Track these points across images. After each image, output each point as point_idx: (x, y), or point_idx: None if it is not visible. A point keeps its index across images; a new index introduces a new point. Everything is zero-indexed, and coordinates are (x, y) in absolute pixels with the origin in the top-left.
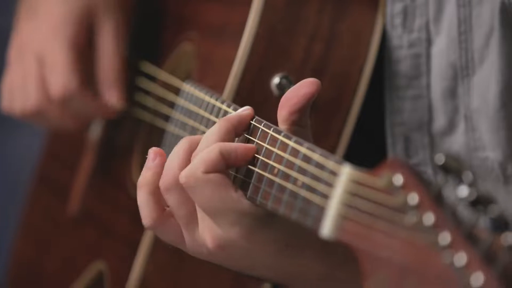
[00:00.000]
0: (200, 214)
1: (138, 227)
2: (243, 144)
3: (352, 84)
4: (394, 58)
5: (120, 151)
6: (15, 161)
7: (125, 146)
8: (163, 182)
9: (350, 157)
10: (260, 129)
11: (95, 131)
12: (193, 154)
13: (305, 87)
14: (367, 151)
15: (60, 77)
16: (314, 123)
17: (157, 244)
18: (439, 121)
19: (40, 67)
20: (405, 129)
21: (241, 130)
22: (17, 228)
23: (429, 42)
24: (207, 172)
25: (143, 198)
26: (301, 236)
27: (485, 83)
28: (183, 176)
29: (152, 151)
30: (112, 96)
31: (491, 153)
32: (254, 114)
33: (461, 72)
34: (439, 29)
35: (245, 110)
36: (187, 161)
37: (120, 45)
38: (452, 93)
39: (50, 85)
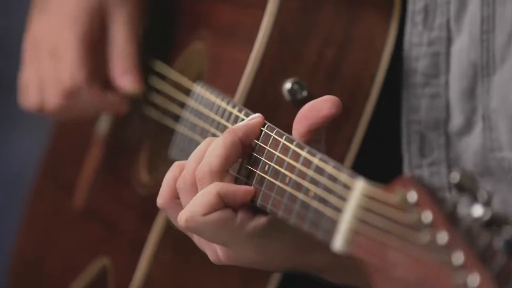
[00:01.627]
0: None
1: (144, 224)
2: (242, 187)
3: (364, 89)
4: (413, 55)
5: (128, 148)
6: (16, 160)
7: (133, 143)
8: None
9: (362, 156)
10: (272, 137)
11: (103, 126)
12: (197, 170)
13: (326, 109)
14: (380, 151)
15: (69, 69)
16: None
17: (163, 243)
18: (456, 120)
19: (54, 62)
20: (421, 127)
21: (249, 141)
22: (20, 224)
23: (449, 40)
24: (206, 214)
25: (167, 177)
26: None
27: (505, 83)
28: (183, 220)
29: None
30: (127, 80)
31: (508, 154)
32: (264, 121)
33: (482, 71)
34: (460, 27)
35: (254, 118)
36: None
37: (133, 34)
38: (471, 92)
39: (61, 78)
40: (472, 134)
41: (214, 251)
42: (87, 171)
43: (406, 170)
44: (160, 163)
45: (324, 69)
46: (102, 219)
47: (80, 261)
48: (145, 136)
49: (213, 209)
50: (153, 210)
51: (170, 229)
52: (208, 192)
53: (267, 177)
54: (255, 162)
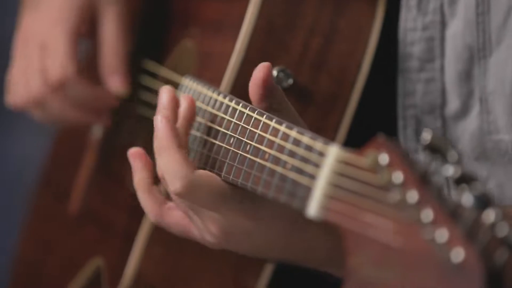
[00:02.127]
0: (199, 210)
1: (135, 221)
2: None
3: (350, 78)
4: (408, 40)
5: (122, 149)
6: (17, 160)
7: (127, 144)
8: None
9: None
10: (254, 117)
11: (97, 131)
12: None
13: (256, 72)
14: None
15: (58, 62)
16: (312, 117)
17: (153, 238)
18: (453, 104)
19: (42, 56)
20: (417, 111)
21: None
22: (21, 226)
23: (443, 25)
24: (194, 170)
25: (141, 198)
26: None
27: (502, 64)
28: (179, 187)
29: (130, 155)
30: (114, 81)
31: (505, 136)
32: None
33: (478, 53)
34: (454, 11)
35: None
36: None
37: (122, 32)
38: (467, 75)
39: (48, 70)
40: (469, 118)
41: (209, 231)
42: (82, 175)
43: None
44: (154, 160)
45: (310, 59)
46: (97, 221)
47: (77, 262)
48: (138, 135)
49: (189, 161)
50: None
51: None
52: (173, 154)
53: (248, 155)
54: (237, 143)
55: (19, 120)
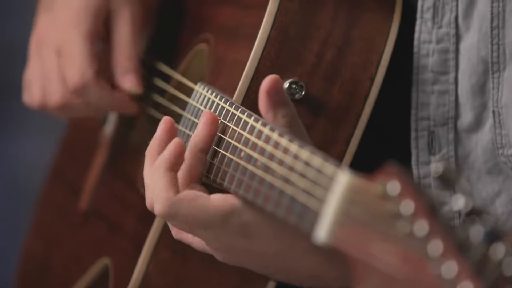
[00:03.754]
0: (193, 230)
1: (144, 225)
2: (169, 147)
3: (363, 91)
4: (422, 52)
5: (132, 150)
6: (23, 162)
7: (138, 145)
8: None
9: (369, 153)
10: (264, 133)
11: (109, 128)
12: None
13: (263, 85)
14: (388, 147)
15: (77, 66)
16: (323, 129)
17: (161, 243)
18: (466, 117)
19: (58, 60)
20: (430, 123)
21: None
22: (29, 225)
23: (458, 37)
24: (176, 192)
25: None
26: (305, 240)
27: None
28: (159, 210)
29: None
30: (128, 81)
31: None
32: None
33: (492, 67)
34: (469, 24)
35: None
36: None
37: (136, 34)
38: (481, 88)
39: (67, 75)
40: (482, 131)
41: (206, 248)
42: (93, 173)
43: (414, 167)
44: None
45: (323, 70)
46: (106, 220)
47: (84, 261)
48: (148, 136)
49: (176, 182)
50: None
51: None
52: (161, 175)
53: (258, 171)
54: (247, 157)
55: (25, 122)
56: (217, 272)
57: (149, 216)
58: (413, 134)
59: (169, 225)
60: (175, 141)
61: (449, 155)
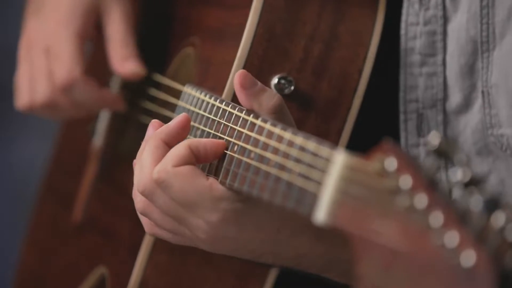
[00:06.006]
0: (182, 211)
1: (139, 230)
2: (212, 140)
3: (351, 84)
4: (410, 35)
5: (123, 158)
6: (19, 165)
7: (128, 153)
8: (141, 185)
9: (358, 135)
10: (257, 124)
11: (99, 140)
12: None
13: (235, 83)
14: (376, 130)
15: (64, 64)
16: (313, 123)
17: (157, 247)
18: (455, 98)
19: (47, 59)
20: (418, 106)
21: (175, 140)
22: (23, 239)
23: (445, 19)
24: (177, 165)
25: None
26: (293, 220)
27: (505, 57)
28: (155, 172)
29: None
30: (129, 66)
31: (508, 130)
32: (188, 119)
33: (481, 47)
34: (456, 5)
35: (178, 118)
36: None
37: (129, 27)
38: (470, 69)
39: (55, 73)
40: (471, 112)
41: (198, 239)
42: (85, 185)
43: (403, 149)
44: None
45: (311, 65)
46: (100, 230)
47: (80, 272)
48: (139, 144)
49: (184, 161)
50: None
51: None
52: (180, 146)
53: (253, 162)
54: (241, 150)
55: (22, 125)
56: (214, 271)
57: None
58: (401, 117)
59: (142, 219)
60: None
61: None
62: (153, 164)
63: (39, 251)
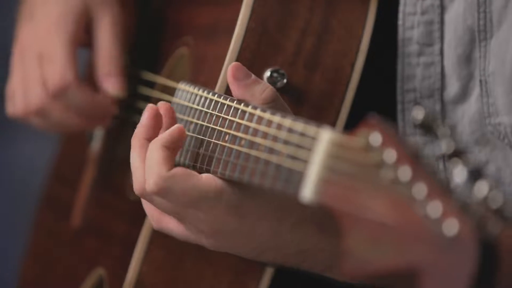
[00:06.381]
0: (183, 210)
1: (135, 229)
2: (170, 129)
3: (344, 77)
4: (407, 24)
5: (120, 160)
6: (20, 166)
7: (125, 155)
8: (137, 190)
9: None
10: (248, 112)
11: (96, 144)
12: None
13: (228, 75)
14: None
15: (57, 69)
16: (307, 116)
17: (154, 242)
18: (452, 88)
19: (40, 65)
20: (416, 95)
21: (155, 134)
22: (24, 248)
23: (442, 8)
24: (170, 168)
25: (145, 204)
26: (294, 211)
27: (503, 45)
28: (152, 183)
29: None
30: (110, 84)
31: (505, 118)
32: (155, 108)
33: (479, 35)
34: None
35: (144, 113)
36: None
37: (117, 37)
38: (467, 58)
39: (48, 78)
40: (468, 101)
41: (199, 231)
42: (83, 190)
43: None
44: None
45: (303, 58)
46: (97, 233)
47: (79, 275)
48: None
49: (170, 161)
50: (144, 213)
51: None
52: (156, 149)
53: (243, 149)
54: (232, 139)
55: (22, 127)
56: (211, 268)
57: (140, 220)
58: (399, 107)
59: (149, 216)
60: (178, 125)
61: None
62: (144, 164)
63: (39, 259)
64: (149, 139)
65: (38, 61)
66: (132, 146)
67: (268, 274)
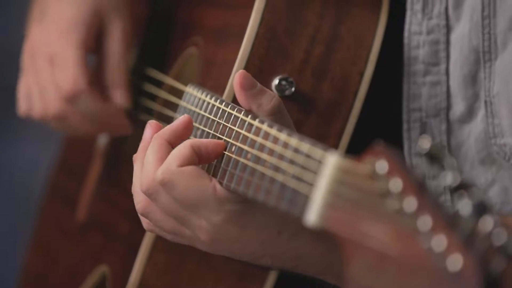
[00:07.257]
0: (184, 213)
1: (140, 229)
2: (212, 140)
3: (353, 86)
4: (413, 44)
5: (126, 157)
6: (21, 167)
7: (131, 152)
8: (144, 184)
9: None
10: (255, 126)
11: (103, 140)
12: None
13: (235, 83)
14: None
15: (69, 74)
16: (314, 125)
17: (157, 246)
18: (458, 107)
19: (51, 68)
20: (422, 115)
21: (179, 139)
22: (28, 240)
23: (448, 28)
24: (181, 165)
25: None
26: (294, 222)
27: (507, 67)
28: (159, 173)
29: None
30: (118, 96)
31: (510, 139)
32: (189, 120)
33: (483, 56)
34: (459, 15)
35: (179, 119)
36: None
37: (126, 49)
38: (473, 78)
39: (60, 83)
40: (474, 121)
41: (198, 239)
42: (89, 185)
43: (406, 158)
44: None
45: (312, 66)
46: (102, 229)
47: (82, 272)
48: None
49: (187, 161)
50: None
51: None
52: (182, 146)
53: (250, 163)
54: (239, 151)
55: (23, 126)
56: (214, 271)
57: None
58: (405, 126)
59: (142, 218)
60: (185, 116)
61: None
62: (157, 163)
63: (43, 252)
64: (171, 143)
65: (49, 64)
66: (152, 142)
67: (271, 280)
